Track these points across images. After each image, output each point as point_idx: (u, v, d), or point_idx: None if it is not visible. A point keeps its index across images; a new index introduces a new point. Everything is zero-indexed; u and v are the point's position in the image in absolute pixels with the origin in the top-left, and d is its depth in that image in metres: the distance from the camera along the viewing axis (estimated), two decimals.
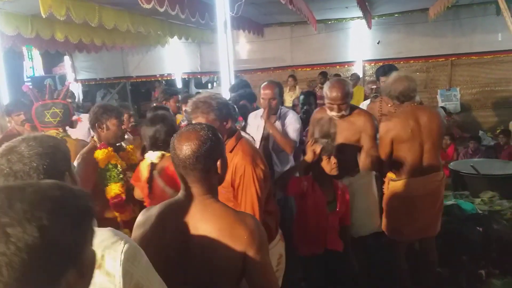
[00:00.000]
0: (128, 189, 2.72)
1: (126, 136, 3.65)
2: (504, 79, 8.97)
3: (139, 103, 11.51)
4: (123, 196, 2.67)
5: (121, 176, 2.68)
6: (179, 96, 5.40)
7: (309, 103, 4.94)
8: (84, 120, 4.34)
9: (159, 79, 10.75)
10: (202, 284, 1.44)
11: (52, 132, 2.89)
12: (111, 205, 2.64)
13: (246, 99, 4.73)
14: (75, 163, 2.49)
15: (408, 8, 8.29)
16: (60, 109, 2.99)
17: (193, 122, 2.11)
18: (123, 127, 2.84)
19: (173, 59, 10.16)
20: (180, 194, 1.51)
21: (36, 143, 1.26)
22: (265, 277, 1.45)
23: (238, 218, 1.43)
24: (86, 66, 10.49)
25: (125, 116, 3.84)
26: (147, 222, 1.50)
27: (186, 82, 11.03)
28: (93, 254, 0.88)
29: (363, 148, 3.04)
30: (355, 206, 3.05)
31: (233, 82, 4.75)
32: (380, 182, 3.36)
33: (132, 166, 2.80)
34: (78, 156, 2.63)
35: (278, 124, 3.42)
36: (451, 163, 5.41)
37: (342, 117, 3.06)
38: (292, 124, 3.40)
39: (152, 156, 2.48)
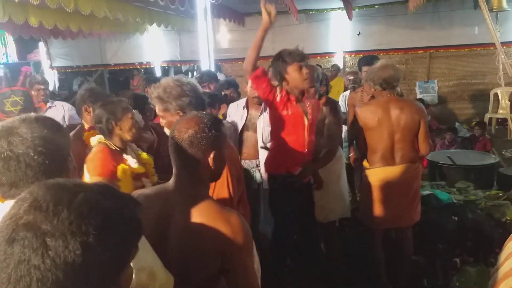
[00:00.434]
0: None
1: None
2: (480, 72, 9.15)
3: (117, 92, 11.26)
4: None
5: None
6: None
7: None
8: (59, 108, 4.24)
9: (138, 67, 10.56)
10: (177, 275, 1.39)
11: None
12: None
13: (233, 87, 4.69)
14: None
15: (388, 0, 8.34)
16: (20, 97, 2.89)
17: (158, 109, 2.05)
18: None
19: (152, 47, 9.98)
20: (171, 180, 1.47)
21: (38, 125, 1.16)
22: (245, 280, 1.40)
23: (222, 216, 1.38)
24: (62, 53, 10.22)
25: None
26: None
27: (165, 71, 10.85)
28: (131, 270, 0.80)
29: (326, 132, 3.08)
30: (326, 191, 3.08)
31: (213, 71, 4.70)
32: (360, 170, 3.41)
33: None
34: None
35: (265, 115, 3.25)
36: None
37: None
38: None
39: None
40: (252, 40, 2.61)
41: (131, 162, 2.29)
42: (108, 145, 2.29)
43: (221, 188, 1.98)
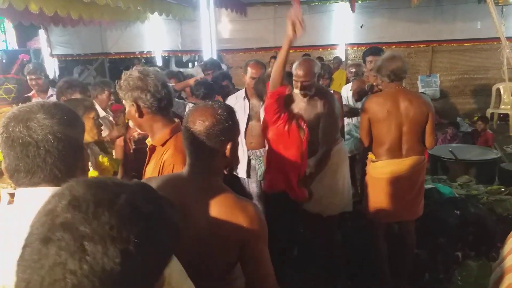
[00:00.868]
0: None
1: (105, 114, 3.55)
2: (483, 67, 9.11)
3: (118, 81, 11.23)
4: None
5: (108, 149, 2.64)
6: None
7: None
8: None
9: (138, 56, 10.49)
10: (192, 266, 1.37)
11: (6, 109, 2.71)
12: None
13: (228, 79, 4.65)
14: None
15: None
16: (14, 85, 2.84)
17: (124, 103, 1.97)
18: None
19: (153, 36, 9.91)
20: (184, 170, 1.45)
21: (57, 111, 1.11)
22: (262, 268, 1.40)
23: (239, 205, 1.38)
24: (62, 41, 10.13)
25: (105, 93, 3.74)
26: None
27: (166, 61, 10.79)
28: (163, 280, 0.75)
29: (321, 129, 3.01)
30: (323, 184, 3.03)
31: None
32: (362, 164, 3.37)
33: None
34: None
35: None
36: None
37: (305, 95, 3.02)
38: None
39: None
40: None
41: None
42: None
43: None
